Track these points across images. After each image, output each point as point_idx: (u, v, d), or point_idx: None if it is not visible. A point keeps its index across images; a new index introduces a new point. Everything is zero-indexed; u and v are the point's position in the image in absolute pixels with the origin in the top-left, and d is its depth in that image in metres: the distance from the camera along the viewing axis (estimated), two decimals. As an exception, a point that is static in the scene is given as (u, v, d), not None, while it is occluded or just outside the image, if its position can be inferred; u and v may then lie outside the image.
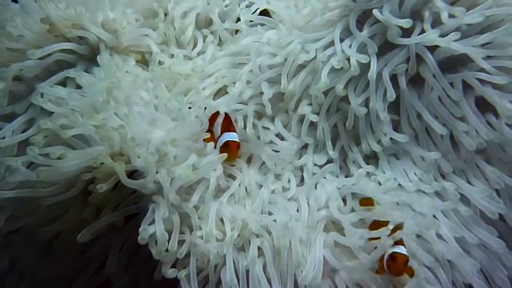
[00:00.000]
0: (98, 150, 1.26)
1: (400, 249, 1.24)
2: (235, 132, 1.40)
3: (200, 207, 1.28)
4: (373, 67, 1.38)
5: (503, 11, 1.35)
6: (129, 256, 1.37)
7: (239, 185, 1.38)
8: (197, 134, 1.37)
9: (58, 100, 1.39)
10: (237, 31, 1.65)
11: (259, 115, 1.51)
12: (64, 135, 1.29)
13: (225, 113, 1.44)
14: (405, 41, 1.38)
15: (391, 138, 1.43)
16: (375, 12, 1.38)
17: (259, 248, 1.27)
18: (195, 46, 1.64)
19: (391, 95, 1.39)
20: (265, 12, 1.64)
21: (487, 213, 1.35)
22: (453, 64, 1.39)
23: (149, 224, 1.22)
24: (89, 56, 1.56)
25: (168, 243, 1.20)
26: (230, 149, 1.36)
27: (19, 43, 1.51)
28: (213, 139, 1.40)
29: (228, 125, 1.41)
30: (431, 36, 1.35)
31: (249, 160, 1.46)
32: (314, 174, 1.45)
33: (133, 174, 1.28)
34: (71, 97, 1.39)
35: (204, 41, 1.64)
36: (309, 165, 1.46)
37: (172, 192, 1.22)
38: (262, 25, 1.59)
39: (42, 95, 1.42)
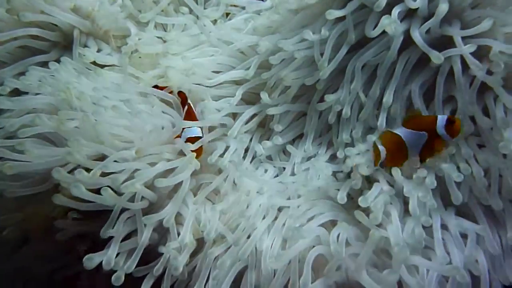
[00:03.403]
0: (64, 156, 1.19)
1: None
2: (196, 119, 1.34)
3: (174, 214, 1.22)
4: (334, 64, 1.36)
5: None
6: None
7: (225, 179, 1.33)
8: (169, 138, 1.30)
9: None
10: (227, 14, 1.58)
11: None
12: (22, 135, 1.22)
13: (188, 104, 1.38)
14: (373, 33, 1.32)
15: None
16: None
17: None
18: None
19: (355, 87, 1.36)
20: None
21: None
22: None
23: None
24: (64, 44, 1.50)
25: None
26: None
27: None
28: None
29: (188, 115, 1.35)
30: (384, 21, 1.29)
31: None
32: (306, 168, 1.42)
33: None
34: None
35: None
36: (298, 156, 1.44)
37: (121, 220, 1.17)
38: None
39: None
